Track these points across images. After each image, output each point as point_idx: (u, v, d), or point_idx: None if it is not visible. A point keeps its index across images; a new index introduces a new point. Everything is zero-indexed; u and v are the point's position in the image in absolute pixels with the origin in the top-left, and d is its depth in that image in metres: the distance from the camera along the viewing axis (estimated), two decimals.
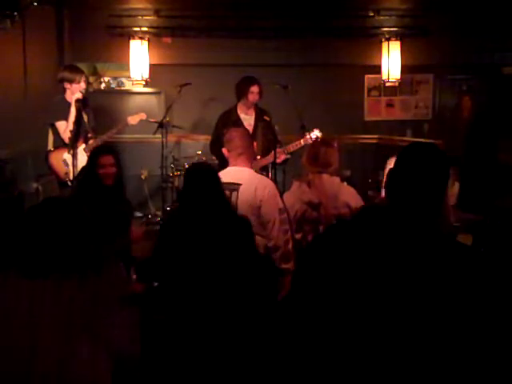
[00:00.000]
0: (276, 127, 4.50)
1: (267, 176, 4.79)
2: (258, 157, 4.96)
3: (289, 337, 1.60)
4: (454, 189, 3.51)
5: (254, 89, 4.98)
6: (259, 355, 2.54)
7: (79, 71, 4.83)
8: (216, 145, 5.12)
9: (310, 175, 3.35)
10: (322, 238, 1.73)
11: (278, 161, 4.68)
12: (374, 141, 6.64)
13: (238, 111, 5.13)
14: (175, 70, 6.35)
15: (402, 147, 1.65)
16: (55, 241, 1.78)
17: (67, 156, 4.59)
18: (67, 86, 4.75)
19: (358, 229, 1.61)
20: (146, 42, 6.20)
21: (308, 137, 4.83)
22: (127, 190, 3.83)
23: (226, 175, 3.32)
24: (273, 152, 4.28)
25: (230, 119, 5.05)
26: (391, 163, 2.00)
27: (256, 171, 3.67)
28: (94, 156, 3.45)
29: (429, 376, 1.43)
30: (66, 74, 4.77)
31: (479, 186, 5.71)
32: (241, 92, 5.05)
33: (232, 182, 3.26)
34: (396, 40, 6.33)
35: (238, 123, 4.95)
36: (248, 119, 5.10)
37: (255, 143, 4.53)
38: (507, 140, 6.30)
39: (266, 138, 4.94)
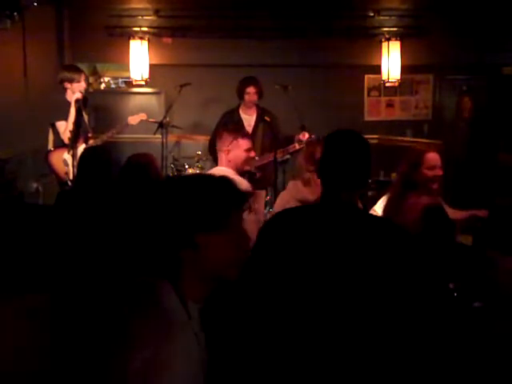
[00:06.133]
0: None
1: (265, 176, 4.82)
2: (257, 158, 4.96)
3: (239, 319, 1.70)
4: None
5: (250, 90, 5.00)
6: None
7: (79, 70, 4.86)
8: (215, 144, 5.14)
9: (307, 174, 3.38)
10: (269, 224, 1.90)
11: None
12: (374, 141, 6.62)
13: (240, 111, 5.15)
14: (175, 70, 6.34)
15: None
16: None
17: (67, 156, 4.59)
18: (67, 85, 4.76)
19: (298, 215, 1.84)
20: (145, 42, 6.21)
21: (303, 138, 4.81)
22: None
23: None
24: (269, 152, 4.29)
25: (231, 119, 5.07)
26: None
27: (252, 170, 3.67)
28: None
29: (367, 349, 1.60)
30: (66, 74, 4.79)
31: (479, 186, 5.71)
32: (239, 92, 5.09)
33: None
34: (396, 40, 6.33)
35: (239, 123, 4.96)
36: (248, 119, 5.11)
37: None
38: (507, 140, 6.30)
39: (266, 139, 4.95)
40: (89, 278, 2.35)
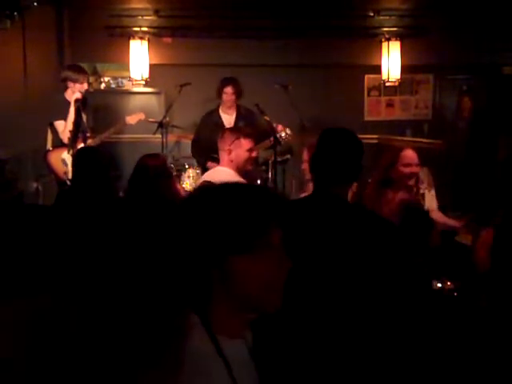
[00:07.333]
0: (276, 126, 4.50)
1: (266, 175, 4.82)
2: None
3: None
4: (432, 194, 3.56)
5: (227, 90, 5.04)
6: None
7: (83, 72, 4.89)
8: (197, 143, 5.17)
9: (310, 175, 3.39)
10: None
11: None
12: (374, 141, 6.62)
13: (220, 111, 5.18)
14: (175, 70, 6.34)
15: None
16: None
17: (66, 156, 4.59)
18: (70, 85, 4.78)
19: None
20: (145, 42, 6.21)
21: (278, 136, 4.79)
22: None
23: (208, 175, 3.43)
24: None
25: (211, 119, 5.12)
26: None
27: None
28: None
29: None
30: (70, 74, 4.81)
31: (479, 186, 5.70)
32: (217, 92, 5.11)
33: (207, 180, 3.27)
34: (396, 40, 6.34)
35: (219, 123, 4.99)
36: (228, 119, 5.14)
37: None
38: (507, 140, 6.29)
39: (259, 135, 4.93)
40: (96, 289, 2.31)
